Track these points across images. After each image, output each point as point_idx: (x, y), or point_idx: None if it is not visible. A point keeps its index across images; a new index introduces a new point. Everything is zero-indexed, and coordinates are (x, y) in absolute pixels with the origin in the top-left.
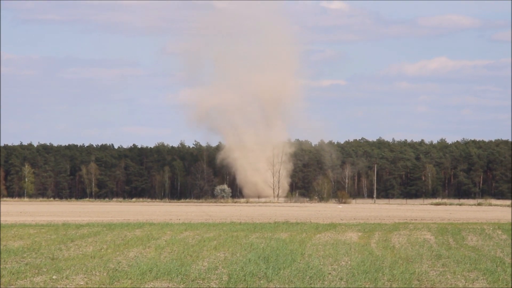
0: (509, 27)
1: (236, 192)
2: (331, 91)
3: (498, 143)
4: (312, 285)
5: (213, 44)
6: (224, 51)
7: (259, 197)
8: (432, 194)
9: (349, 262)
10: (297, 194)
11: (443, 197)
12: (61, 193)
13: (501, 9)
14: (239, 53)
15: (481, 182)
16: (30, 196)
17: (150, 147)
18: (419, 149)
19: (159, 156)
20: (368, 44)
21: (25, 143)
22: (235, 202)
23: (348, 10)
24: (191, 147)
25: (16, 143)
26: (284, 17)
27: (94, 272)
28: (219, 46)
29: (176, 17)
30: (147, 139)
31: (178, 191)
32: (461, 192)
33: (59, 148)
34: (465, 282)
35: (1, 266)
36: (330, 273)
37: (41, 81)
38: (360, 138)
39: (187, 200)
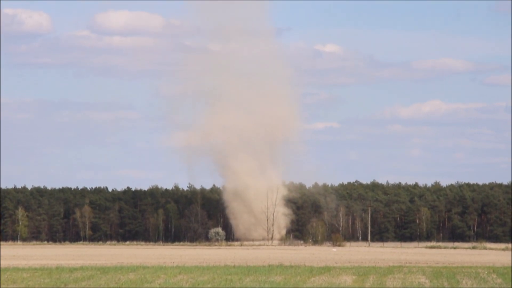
0: (501, 71)
1: (231, 235)
2: (325, 134)
3: (492, 186)
4: None
5: (206, 87)
6: (217, 93)
7: (253, 240)
8: (426, 237)
9: None
10: (291, 237)
11: (437, 240)
12: (55, 236)
13: (494, 53)
14: (232, 96)
15: (475, 226)
16: (24, 239)
17: (144, 190)
18: (413, 192)
19: (153, 199)
20: (362, 87)
21: (19, 186)
22: (229, 245)
23: (342, 53)
24: (185, 189)
25: (10, 186)
26: (279, 60)
27: None
28: (213, 89)
29: (170, 60)
30: (141, 182)
31: (172, 234)
32: (455, 235)
33: (53, 191)
34: None
35: None
36: None
37: (35, 124)
38: (354, 181)
39: (181, 243)
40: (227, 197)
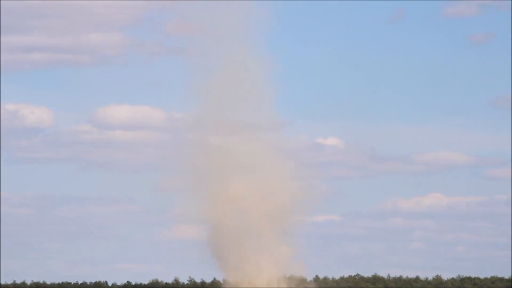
0: (502, 164)
1: None
2: (325, 227)
3: (494, 280)
4: None
5: (206, 181)
6: (217, 188)
7: None
8: None
9: None
10: None
11: None
12: None
13: (494, 147)
14: (233, 191)
15: None
16: None
17: (144, 284)
18: (414, 286)
19: None
20: (363, 180)
21: (18, 281)
22: None
23: (343, 146)
24: (185, 283)
25: (9, 281)
26: (280, 153)
27: None
28: (213, 184)
29: (171, 154)
30: (141, 276)
31: None
32: None
33: (53, 286)
34: None
35: None
36: None
37: (36, 219)
38: (355, 274)
39: None
40: None
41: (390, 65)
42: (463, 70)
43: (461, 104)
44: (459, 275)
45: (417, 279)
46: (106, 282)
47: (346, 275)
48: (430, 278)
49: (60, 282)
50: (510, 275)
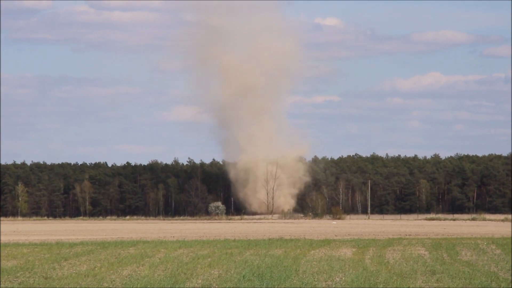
0: (501, 42)
1: (231, 209)
2: (324, 107)
3: (492, 157)
4: None
5: (205, 61)
6: (216, 68)
7: (255, 213)
8: (426, 209)
9: (343, 278)
10: (291, 210)
11: (437, 212)
12: (55, 211)
13: (493, 25)
14: (232, 69)
15: (475, 197)
16: (24, 215)
17: (144, 165)
18: (412, 165)
19: (153, 174)
20: (362, 60)
21: (18, 162)
22: (230, 219)
23: (342, 27)
24: (184, 164)
25: (10, 162)
26: (280, 34)
27: None
28: (211, 64)
29: (170, 35)
30: (141, 157)
31: (172, 209)
32: (455, 207)
33: (53, 166)
34: None
35: None
36: None
37: (35, 100)
38: (354, 154)
39: (181, 217)
40: (236, 172)
41: None
42: None
43: None
44: (457, 153)
45: (415, 158)
46: (106, 163)
47: (345, 155)
48: (428, 157)
49: (60, 163)
50: (508, 152)
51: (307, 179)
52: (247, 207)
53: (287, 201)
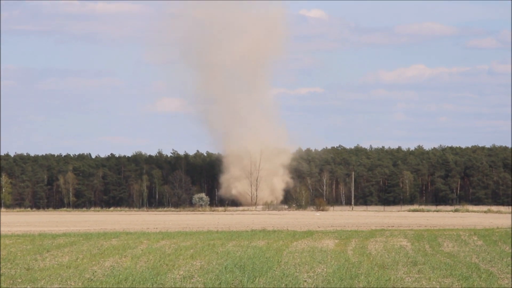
0: (485, 34)
1: (214, 200)
2: (308, 99)
3: (475, 149)
4: None
5: (189, 53)
6: (200, 60)
7: (238, 205)
8: (409, 201)
9: (325, 269)
10: (277, 202)
11: (420, 204)
12: (38, 203)
13: (477, 17)
14: (216, 61)
15: (458, 189)
16: (8, 206)
17: (128, 156)
18: (396, 156)
19: (137, 165)
20: (346, 52)
21: (1, 153)
22: (213, 211)
23: (326, 19)
24: (168, 155)
25: None
26: (263, 25)
27: (69, 282)
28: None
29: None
30: (125, 149)
31: (156, 200)
32: (438, 198)
33: (36, 158)
34: None
35: None
36: (305, 281)
37: (18, 91)
38: (338, 146)
39: (165, 208)
40: (220, 164)
41: None
42: None
43: None
44: (440, 145)
45: (399, 149)
46: (89, 154)
47: (329, 147)
48: (412, 148)
49: (44, 154)
50: (491, 144)
51: (291, 170)
52: (231, 198)
53: (271, 192)
